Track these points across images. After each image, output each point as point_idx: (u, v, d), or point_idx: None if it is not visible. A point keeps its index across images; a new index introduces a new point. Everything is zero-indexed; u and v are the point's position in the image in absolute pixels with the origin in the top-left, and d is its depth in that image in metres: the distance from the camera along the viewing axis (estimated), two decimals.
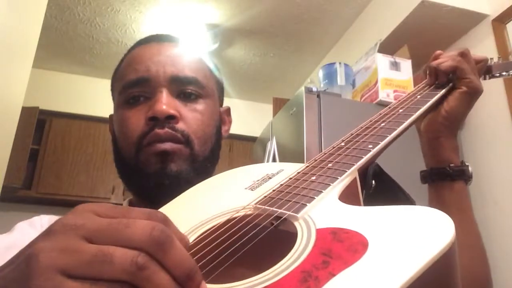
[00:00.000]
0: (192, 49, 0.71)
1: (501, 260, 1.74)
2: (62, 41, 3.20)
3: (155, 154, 0.61)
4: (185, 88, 0.65)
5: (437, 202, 0.64)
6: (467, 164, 0.64)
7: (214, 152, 0.68)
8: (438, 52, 0.69)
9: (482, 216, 1.88)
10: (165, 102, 0.62)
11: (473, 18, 2.13)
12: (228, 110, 0.78)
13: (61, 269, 0.25)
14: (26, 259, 0.26)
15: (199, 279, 0.28)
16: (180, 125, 0.63)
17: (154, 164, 0.61)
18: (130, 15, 2.89)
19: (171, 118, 0.62)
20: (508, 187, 1.85)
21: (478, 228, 0.63)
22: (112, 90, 0.72)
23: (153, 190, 0.61)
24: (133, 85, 0.65)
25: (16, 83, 1.99)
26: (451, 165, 0.63)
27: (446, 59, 0.66)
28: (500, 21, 2.04)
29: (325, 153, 0.51)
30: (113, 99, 0.71)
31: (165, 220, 0.29)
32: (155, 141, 0.61)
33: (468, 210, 0.63)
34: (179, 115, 0.63)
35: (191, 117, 0.64)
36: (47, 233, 0.27)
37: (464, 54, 0.66)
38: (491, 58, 0.71)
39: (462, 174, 0.63)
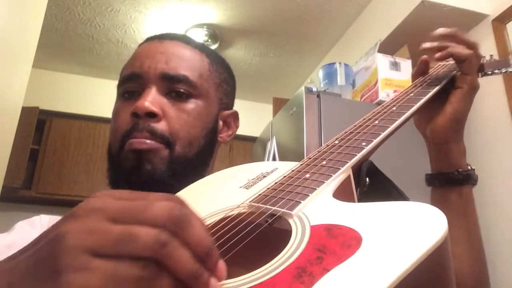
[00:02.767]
0: (197, 48, 0.71)
1: (501, 260, 1.74)
2: (62, 41, 3.20)
3: (130, 151, 0.61)
4: (174, 87, 0.65)
5: (443, 205, 0.62)
6: (473, 168, 0.64)
7: (202, 156, 0.67)
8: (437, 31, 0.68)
9: (482, 216, 1.86)
10: (150, 99, 0.62)
11: (473, 18, 2.13)
12: (234, 114, 0.76)
13: (88, 248, 0.26)
14: (52, 240, 0.27)
15: (217, 257, 0.29)
16: (161, 125, 0.62)
17: (129, 161, 0.62)
18: (130, 15, 2.89)
19: (152, 116, 0.61)
20: (508, 187, 1.85)
21: (480, 230, 0.63)
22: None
23: (125, 187, 0.60)
24: (127, 80, 0.66)
25: (16, 83, 1.99)
26: (459, 170, 0.63)
27: (460, 45, 0.65)
28: (500, 21, 2.04)
29: (319, 151, 0.51)
30: None
31: (182, 202, 0.30)
32: (132, 138, 0.62)
33: (473, 214, 0.63)
34: (162, 113, 0.62)
35: (176, 116, 0.64)
36: (71, 216, 0.28)
37: (475, 47, 0.66)
38: (483, 56, 0.71)
39: (469, 179, 0.63)
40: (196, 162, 0.66)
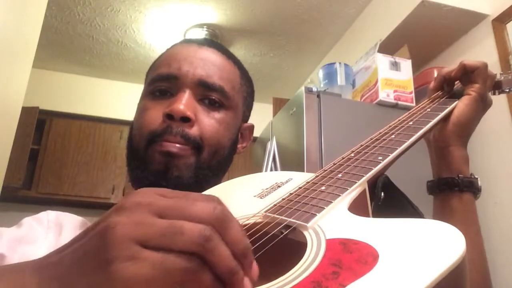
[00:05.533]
0: (231, 59, 0.72)
1: (501, 260, 1.74)
2: (62, 41, 3.19)
3: (160, 153, 0.62)
4: (209, 94, 0.66)
5: (442, 213, 0.62)
6: (476, 177, 0.63)
7: (222, 165, 0.68)
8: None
9: (482, 216, 1.86)
10: (185, 103, 0.62)
11: (473, 18, 2.13)
12: (250, 128, 0.78)
13: (137, 239, 0.27)
14: (100, 232, 0.28)
15: (252, 257, 0.30)
16: (194, 130, 0.63)
17: (157, 164, 0.62)
18: (130, 15, 2.88)
19: (186, 120, 0.62)
20: (508, 187, 1.85)
21: (483, 240, 0.61)
22: (145, 79, 0.73)
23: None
24: (162, 79, 0.67)
25: (16, 83, 1.99)
26: (460, 175, 0.62)
27: (453, 66, 0.67)
28: (500, 21, 2.04)
29: (335, 164, 0.51)
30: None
31: (222, 203, 0.31)
32: (164, 141, 0.62)
33: (474, 223, 0.62)
34: (195, 118, 0.63)
35: (208, 123, 0.65)
36: (118, 210, 0.29)
37: (484, 64, 0.67)
38: (501, 73, 0.72)
39: (471, 186, 0.62)
40: (217, 170, 0.67)
